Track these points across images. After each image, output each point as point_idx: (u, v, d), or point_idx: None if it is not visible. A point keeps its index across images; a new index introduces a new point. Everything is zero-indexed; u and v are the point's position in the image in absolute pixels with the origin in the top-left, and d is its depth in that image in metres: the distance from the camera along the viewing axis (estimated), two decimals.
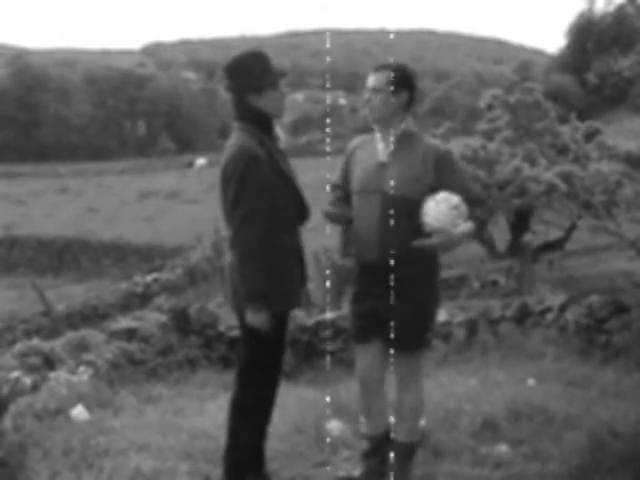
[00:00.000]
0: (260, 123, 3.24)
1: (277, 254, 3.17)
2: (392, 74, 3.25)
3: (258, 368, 3.28)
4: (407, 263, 3.20)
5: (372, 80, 3.28)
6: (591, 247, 19.20)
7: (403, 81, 3.28)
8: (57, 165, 59.86)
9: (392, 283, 3.23)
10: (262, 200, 3.12)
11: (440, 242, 3.11)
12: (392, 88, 3.24)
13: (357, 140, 3.49)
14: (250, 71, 3.22)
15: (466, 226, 3.14)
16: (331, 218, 3.39)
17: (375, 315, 3.28)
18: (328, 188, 3.50)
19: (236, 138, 3.20)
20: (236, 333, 5.48)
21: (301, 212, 3.34)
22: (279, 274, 3.19)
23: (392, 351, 3.32)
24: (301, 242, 3.37)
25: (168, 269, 18.94)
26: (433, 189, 3.19)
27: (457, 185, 3.21)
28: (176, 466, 3.56)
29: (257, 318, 3.13)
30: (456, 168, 3.30)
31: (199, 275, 19.38)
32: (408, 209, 3.18)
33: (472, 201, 3.23)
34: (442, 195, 3.14)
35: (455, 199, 3.13)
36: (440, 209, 3.11)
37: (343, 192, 3.43)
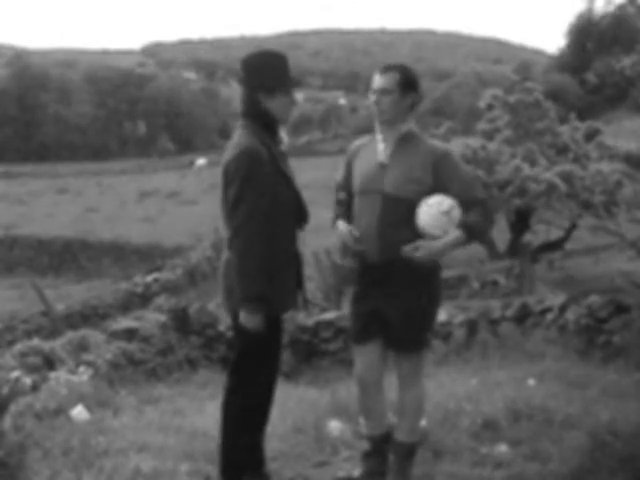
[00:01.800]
0: (265, 124, 3.23)
1: (274, 256, 3.16)
2: (401, 75, 3.25)
3: (249, 368, 3.27)
4: (406, 263, 3.19)
5: (381, 81, 3.24)
6: (591, 247, 19.20)
7: (411, 83, 3.27)
8: (57, 165, 59.91)
9: (391, 283, 3.23)
10: (263, 201, 3.10)
11: (426, 255, 3.09)
12: (401, 90, 3.23)
13: (359, 141, 3.48)
14: (267, 70, 3.20)
15: (454, 235, 3.10)
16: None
17: (375, 315, 3.28)
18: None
19: (239, 137, 3.19)
20: None
21: (301, 215, 3.34)
22: (275, 276, 3.17)
23: (393, 351, 3.33)
24: (298, 245, 3.37)
25: (168, 269, 18.96)
26: (434, 190, 3.18)
27: (455, 186, 3.17)
28: (176, 466, 3.56)
29: (251, 319, 3.12)
30: (456, 169, 3.24)
31: (199, 275, 19.40)
32: (408, 210, 3.17)
33: (471, 203, 3.18)
34: (434, 199, 3.11)
35: (447, 203, 3.09)
36: (432, 213, 3.08)
37: (346, 194, 3.44)
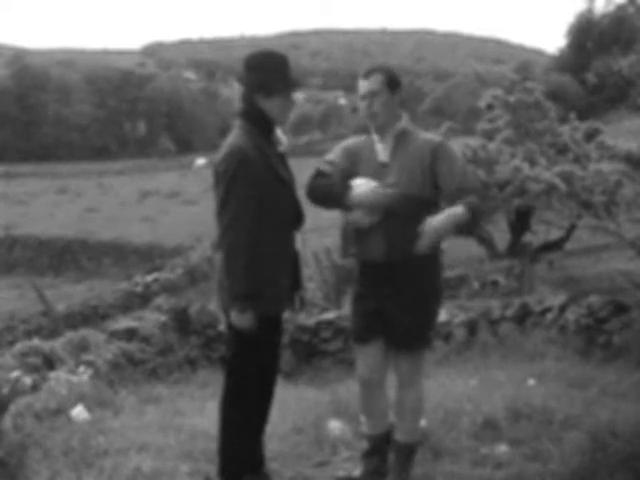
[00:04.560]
0: (261, 125, 3.23)
1: (266, 256, 3.16)
2: (385, 75, 3.26)
3: (244, 368, 3.27)
4: (411, 262, 3.20)
5: (367, 84, 3.26)
6: (591, 247, 19.20)
7: (396, 81, 3.30)
8: (57, 165, 59.88)
9: (397, 282, 3.23)
10: (251, 202, 3.10)
11: (432, 234, 3.08)
12: (389, 89, 3.25)
13: (355, 140, 3.43)
14: (267, 71, 3.20)
15: (456, 210, 3.12)
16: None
17: (378, 314, 3.28)
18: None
19: (232, 137, 3.19)
20: None
21: (296, 217, 3.33)
22: (268, 276, 3.17)
23: (394, 350, 3.32)
24: (295, 246, 3.35)
25: (168, 269, 18.96)
26: (432, 182, 3.20)
27: (451, 175, 3.21)
28: (176, 466, 3.56)
29: (241, 319, 3.12)
30: (452, 158, 3.26)
31: (199, 275, 19.39)
32: (413, 207, 3.18)
33: (467, 190, 3.20)
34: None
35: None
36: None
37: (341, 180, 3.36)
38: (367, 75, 3.27)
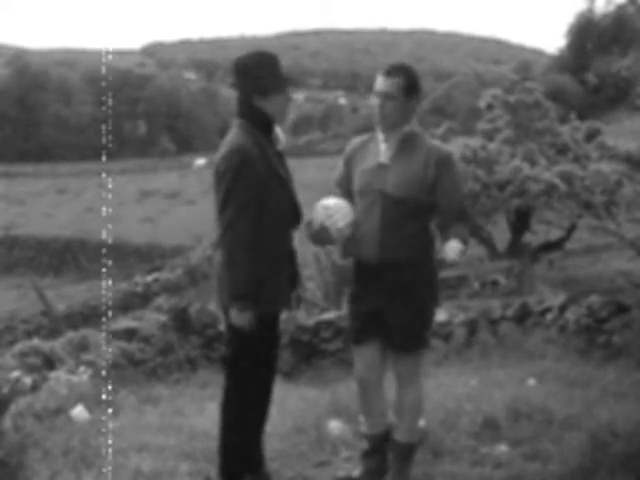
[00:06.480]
0: (260, 124, 3.24)
1: (265, 256, 3.16)
2: (405, 81, 3.21)
3: (243, 368, 3.27)
4: (407, 263, 3.20)
5: (384, 85, 3.20)
6: (591, 247, 19.22)
7: (414, 87, 3.25)
8: (57, 165, 59.90)
9: (391, 283, 3.23)
10: (252, 201, 3.11)
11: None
12: (405, 95, 3.20)
13: (358, 139, 3.45)
14: (259, 72, 3.20)
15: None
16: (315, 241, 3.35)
17: (374, 315, 3.28)
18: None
19: (232, 136, 3.20)
20: None
21: (294, 216, 3.33)
22: (266, 276, 3.17)
23: (392, 351, 3.32)
24: (293, 245, 3.36)
25: (168, 269, 18.98)
26: (432, 189, 3.20)
27: (447, 193, 3.21)
28: (176, 466, 3.56)
29: (240, 318, 3.12)
30: (454, 175, 3.26)
31: (199, 275, 19.40)
32: (408, 210, 3.18)
33: (459, 212, 3.24)
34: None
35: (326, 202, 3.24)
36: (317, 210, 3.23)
37: (344, 192, 3.42)
38: (388, 74, 3.21)
